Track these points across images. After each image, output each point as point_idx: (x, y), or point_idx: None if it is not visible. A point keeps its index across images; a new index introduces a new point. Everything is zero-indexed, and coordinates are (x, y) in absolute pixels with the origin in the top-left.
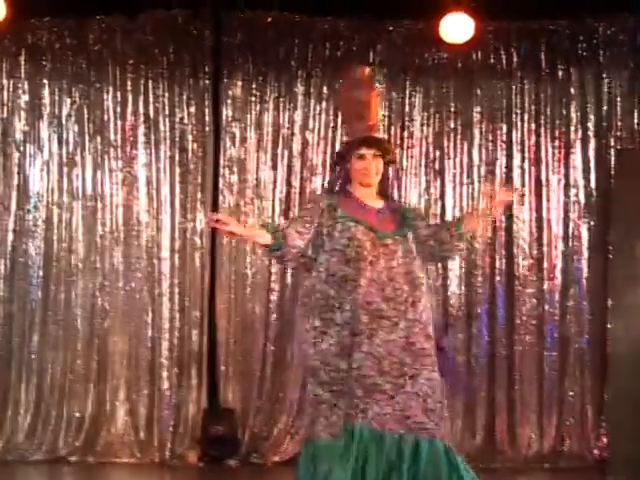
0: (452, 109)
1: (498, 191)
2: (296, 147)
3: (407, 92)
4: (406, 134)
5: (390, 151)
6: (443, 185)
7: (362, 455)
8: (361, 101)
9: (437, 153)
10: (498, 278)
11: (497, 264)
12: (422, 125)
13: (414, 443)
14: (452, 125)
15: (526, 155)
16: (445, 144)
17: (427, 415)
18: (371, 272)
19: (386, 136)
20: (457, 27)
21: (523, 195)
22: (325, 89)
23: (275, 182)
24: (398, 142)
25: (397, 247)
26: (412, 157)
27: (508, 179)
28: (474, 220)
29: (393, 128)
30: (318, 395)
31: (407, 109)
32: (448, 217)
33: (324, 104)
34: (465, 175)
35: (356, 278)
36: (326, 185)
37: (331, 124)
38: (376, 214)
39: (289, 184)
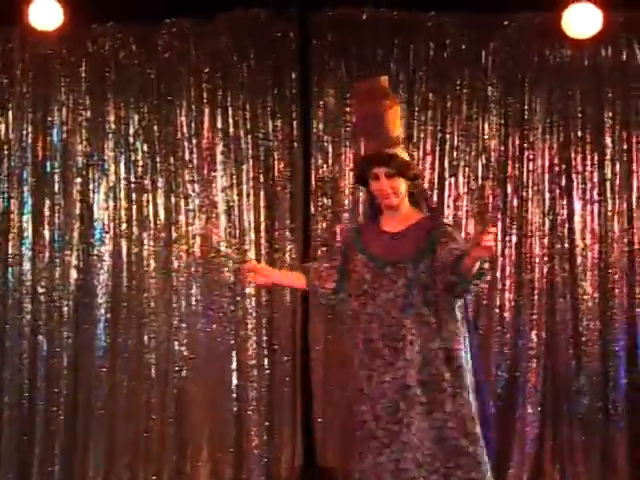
0: (579, 115)
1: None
2: None
3: (526, 96)
4: (525, 145)
5: (408, 166)
6: (571, 203)
7: None
8: (373, 114)
9: (563, 166)
10: (638, 310)
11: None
12: (544, 134)
13: None
14: (580, 133)
15: None
16: (572, 156)
17: (418, 468)
18: (372, 306)
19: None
20: (582, 19)
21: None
22: (431, 95)
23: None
24: (517, 154)
25: (399, 276)
26: (533, 171)
27: None
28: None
29: (510, 138)
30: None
31: (526, 115)
32: (577, 241)
33: (430, 113)
34: (596, 191)
35: (358, 314)
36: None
37: (439, 136)
38: (389, 240)
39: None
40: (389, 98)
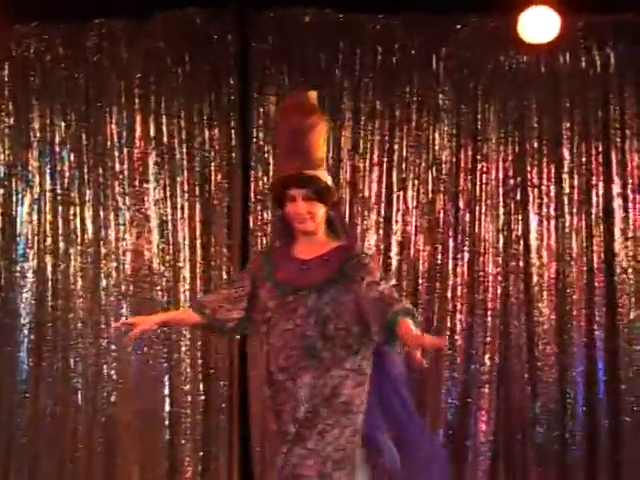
0: (535, 125)
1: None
2: (344, 175)
3: (479, 104)
4: (479, 156)
5: (329, 191)
6: (526, 219)
7: None
8: (296, 130)
9: (518, 179)
10: (597, 333)
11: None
12: (498, 145)
13: None
14: (536, 145)
15: (629, 180)
16: (528, 169)
17: None
18: (272, 337)
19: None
20: (539, 24)
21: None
22: (378, 104)
23: None
24: (469, 166)
25: (298, 305)
26: (487, 184)
27: (608, 211)
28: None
29: (463, 150)
30: None
31: (479, 125)
32: (534, 259)
33: (377, 122)
34: (553, 206)
35: (262, 345)
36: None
37: (386, 146)
38: (298, 267)
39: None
40: (316, 115)
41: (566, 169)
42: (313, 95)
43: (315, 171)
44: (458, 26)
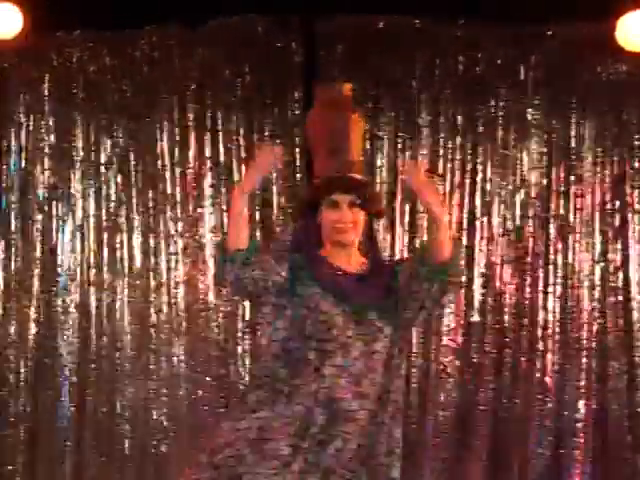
0: (636, 142)
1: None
2: None
3: (573, 120)
4: (573, 178)
5: (376, 199)
6: (626, 248)
7: None
8: (336, 128)
9: (617, 203)
10: None
11: None
12: (595, 165)
13: None
14: (637, 165)
15: None
16: (628, 191)
17: None
18: (343, 357)
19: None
20: None
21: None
22: (460, 119)
23: (393, 247)
24: (562, 189)
25: (383, 324)
26: (582, 209)
27: None
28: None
29: (554, 170)
30: None
31: (573, 143)
32: (634, 293)
33: (459, 139)
34: None
35: (319, 364)
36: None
37: (469, 167)
38: (355, 281)
39: (412, 250)
40: (356, 112)
41: None
42: (348, 87)
43: (358, 175)
44: (549, 32)
